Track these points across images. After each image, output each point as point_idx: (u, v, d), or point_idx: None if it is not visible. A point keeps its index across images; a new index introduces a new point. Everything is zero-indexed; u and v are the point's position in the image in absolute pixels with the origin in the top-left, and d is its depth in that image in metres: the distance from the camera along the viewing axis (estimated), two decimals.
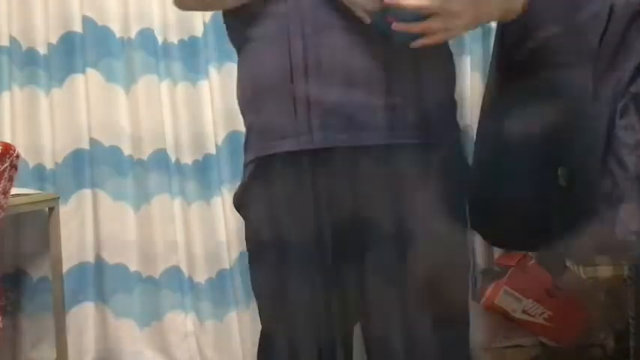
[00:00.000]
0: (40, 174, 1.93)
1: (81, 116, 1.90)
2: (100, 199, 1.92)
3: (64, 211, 1.90)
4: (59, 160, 1.91)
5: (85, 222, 1.91)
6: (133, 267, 1.91)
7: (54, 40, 1.90)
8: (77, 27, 1.89)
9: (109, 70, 1.91)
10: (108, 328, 1.92)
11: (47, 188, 1.92)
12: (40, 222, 1.93)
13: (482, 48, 1.84)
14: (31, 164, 1.92)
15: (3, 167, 1.46)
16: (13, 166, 1.51)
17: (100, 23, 1.90)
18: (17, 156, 1.52)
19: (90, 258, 1.91)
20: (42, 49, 1.90)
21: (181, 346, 1.90)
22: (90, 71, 1.89)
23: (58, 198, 1.89)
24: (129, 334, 1.91)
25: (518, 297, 1.62)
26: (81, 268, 1.91)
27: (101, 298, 1.93)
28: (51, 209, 1.87)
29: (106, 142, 1.91)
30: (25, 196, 1.77)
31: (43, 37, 1.89)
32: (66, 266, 1.89)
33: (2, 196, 1.49)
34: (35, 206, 1.82)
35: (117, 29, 1.90)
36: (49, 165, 1.92)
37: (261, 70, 0.96)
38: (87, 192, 1.91)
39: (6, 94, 1.89)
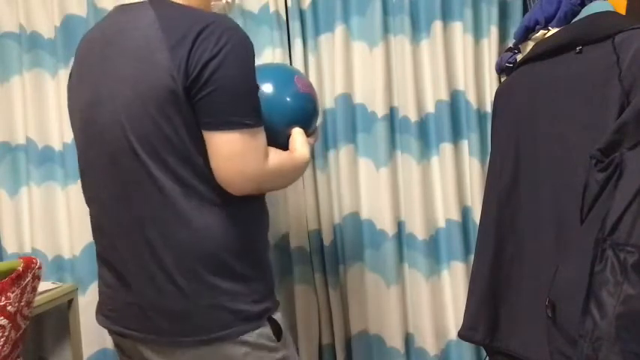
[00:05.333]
0: (58, 265, 2.02)
1: None
2: None
3: (83, 299, 1.98)
4: (77, 253, 2.00)
5: None
6: None
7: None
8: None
9: None
10: None
11: (66, 278, 2.02)
12: (60, 311, 2.01)
13: (479, 134, 1.91)
14: (50, 257, 2.02)
15: (26, 282, 1.55)
16: (36, 277, 1.60)
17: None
18: (39, 267, 1.61)
19: (110, 345, 1.99)
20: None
21: None
22: None
23: (77, 289, 1.98)
24: None
25: None
26: (101, 354, 2.00)
27: None
28: (70, 301, 1.96)
29: None
30: (44, 294, 1.84)
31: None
32: (86, 353, 1.98)
33: (26, 307, 1.58)
34: (55, 302, 1.90)
35: None
36: (67, 256, 2.02)
37: None
38: None
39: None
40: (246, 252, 1.07)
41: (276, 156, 1.09)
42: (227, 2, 1.24)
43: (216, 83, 0.97)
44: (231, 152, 1.00)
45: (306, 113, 1.29)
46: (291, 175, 1.18)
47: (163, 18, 1.00)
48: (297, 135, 1.23)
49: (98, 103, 1.06)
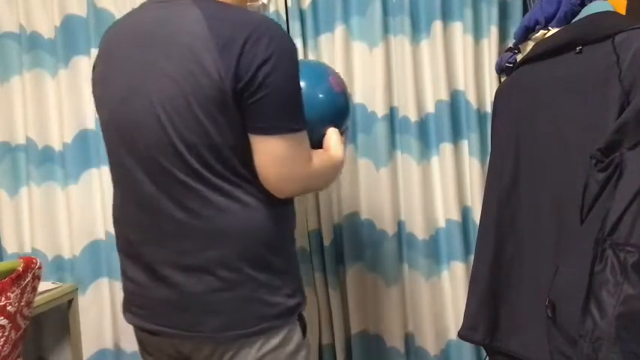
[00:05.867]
0: (58, 265, 2.03)
1: (97, 207, 2.01)
2: (117, 289, 2.00)
3: (83, 299, 1.99)
4: (77, 253, 2.00)
5: (103, 310, 2.00)
6: None
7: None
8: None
9: None
10: None
11: (66, 278, 2.02)
12: (60, 311, 2.01)
13: (479, 134, 1.91)
14: (50, 257, 2.02)
15: (26, 282, 1.55)
16: (36, 277, 1.60)
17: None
18: (39, 267, 1.61)
19: (109, 345, 1.99)
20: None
21: None
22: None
23: (77, 289, 1.98)
24: None
25: None
26: (100, 354, 2.00)
27: None
28: (70, 301, 1.96)
29: None
30: (44, 294, 1.85)
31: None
32: (86, 353, 1.98)
33: (26, 307, 1.58)
34: (55, 302, 1.90)
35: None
36: (67, 255, 2.02)
37: None
38: (104, 281, 2.00)
39: None
40: (281, 246, 1.09)
41: (317, 158, 1.10)
42: (263, 3, 1.23)
43: (269, 88, 0.97)
44: (281, 156, 1.02)
45: (337, 111, 1.30)
46: (332, 175, 1.21)
47: (210, 17, 0.99)
48: (332, 134, 1.24)
49: (133, 96, 1.03)
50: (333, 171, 1.20)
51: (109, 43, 1.12)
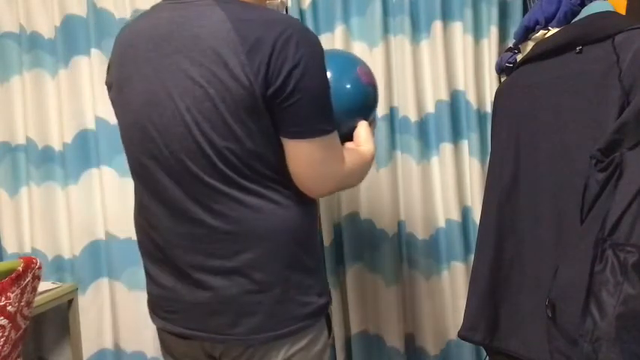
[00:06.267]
0: (58, 265, 2.03)
1: (97, 207, 2.01)
2: (117, 289, 2.00)
3: (83, 299, 1.99)
4: (77, 253, 2.00)
5: (103, 310, 1.99)
6: (150, 354, 1.99)
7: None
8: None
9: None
10: None
11: (66, 278, 2.02)
12: (60, 311, 2.01)
13: (479, 134, 1.92)
14: (50, 257, 2.02)
15: (26, 282, 1.55)
16: (36, 277, 1.60)
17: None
18: (39, 267, 1.61)
19: (109, 345, 1.99)
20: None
21: None
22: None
23: (77, 289, 1.98)
24: None
25: None
26: (101, 354, 2.00)
27: None
28: (70, 301, 1.96)
29: (122, 235, 1.99)
30: (44, 294, 1.85)
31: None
32: (86, 353, 1.98)
33: (26, 307, 1.58)
34: (55, 302, 1.90)
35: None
36: (67, 255, 2.02)
37: None
38: (104, 281, 1.99)
39: None
40: (311, 245, 1.08)
41: (349, 156, 1.10)
42: (282, 1, 1.21)
43: (302, 92, 0.96)
44: (315, 158, 1.01)
45: (365, 102, 1.27)
46: (365, 172, 1.20)
47: (235, 19, 0.96)
48: (362, 128, 1.22)
49: (155, 99, 1.00)
50: (366, 167, 1.19)
51: (123, 45, 1.09)
